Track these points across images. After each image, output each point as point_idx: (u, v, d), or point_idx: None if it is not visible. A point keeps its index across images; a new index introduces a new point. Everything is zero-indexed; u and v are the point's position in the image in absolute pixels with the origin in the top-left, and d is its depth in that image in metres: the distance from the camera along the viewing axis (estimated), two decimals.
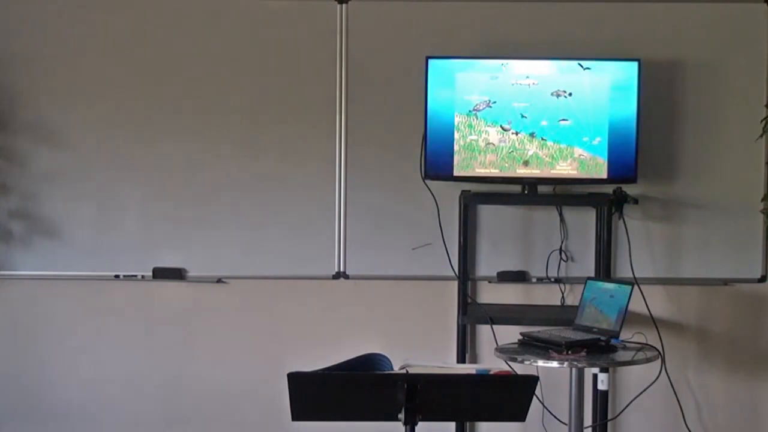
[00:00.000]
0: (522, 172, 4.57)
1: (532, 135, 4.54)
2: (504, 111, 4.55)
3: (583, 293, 4.31)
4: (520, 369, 4.05)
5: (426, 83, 4.55)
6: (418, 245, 4.76)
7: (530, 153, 4.55)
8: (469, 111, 4.55)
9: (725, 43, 4.74)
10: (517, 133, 4.54)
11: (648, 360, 4.08)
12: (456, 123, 4.56)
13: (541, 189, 4.62)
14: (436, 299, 4.83)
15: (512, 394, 3.31)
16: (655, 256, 4.78)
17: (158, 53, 4.78)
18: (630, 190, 4.61)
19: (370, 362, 3.50)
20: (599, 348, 4.06)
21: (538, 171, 4.56)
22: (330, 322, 4.88)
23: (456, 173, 4.58)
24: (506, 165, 4.55)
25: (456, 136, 4.55)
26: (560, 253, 4.78)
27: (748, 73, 4.74)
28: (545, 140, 4.54)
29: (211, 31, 4.78)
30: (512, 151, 4.55)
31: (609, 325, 4.15)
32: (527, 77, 4.53)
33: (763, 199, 4.68)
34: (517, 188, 4.64)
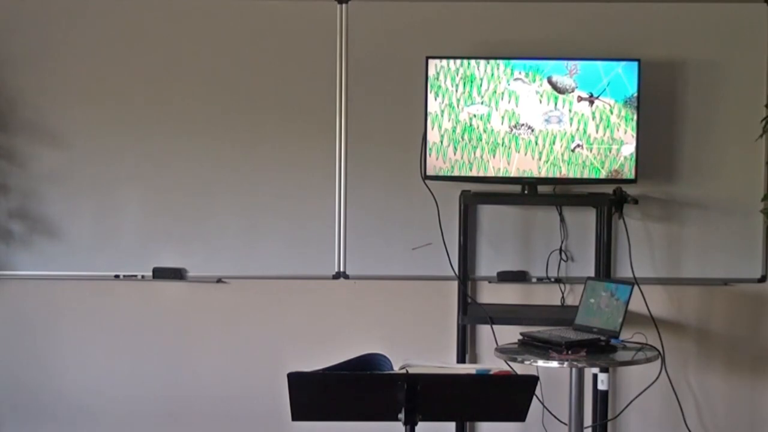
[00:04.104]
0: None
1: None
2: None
3: (583, 293, 4.31)
4: (520, 369, 4.05)
5: (426, 83, 4.55)
6: (418, 245, 4.76)
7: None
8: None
9: (725, 43, 4.74)
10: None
11: (648, 360, 4.07)
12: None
13: (541, 189, 4.62)
14: (436, 299, 4.83)
15: (512, 394, 3.31)
16: (655, 256, 4.78)
17: (158, 53, 4.77)
18: (630, 190, 4.61)
19: (370, 362, 3.48)
20: (599, 348, 4.06)
21: None
22: (330, 322, 4.88)
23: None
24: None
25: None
26: (560, 253, 4.78)
27: (748, 73, 4.74)
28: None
29: (210, 31, 4.77)
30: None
31: (609, 325, 4.15)
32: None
33: (763, 199, 4.68)
34: (517, 188, 4.64)
